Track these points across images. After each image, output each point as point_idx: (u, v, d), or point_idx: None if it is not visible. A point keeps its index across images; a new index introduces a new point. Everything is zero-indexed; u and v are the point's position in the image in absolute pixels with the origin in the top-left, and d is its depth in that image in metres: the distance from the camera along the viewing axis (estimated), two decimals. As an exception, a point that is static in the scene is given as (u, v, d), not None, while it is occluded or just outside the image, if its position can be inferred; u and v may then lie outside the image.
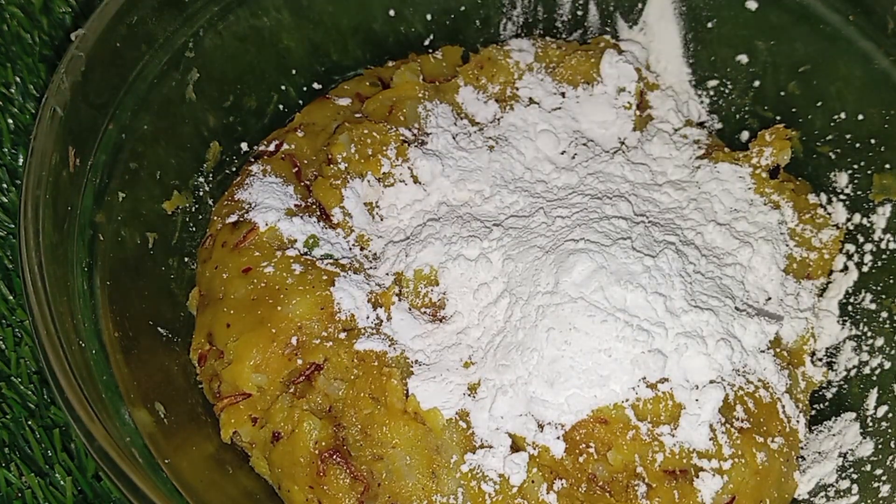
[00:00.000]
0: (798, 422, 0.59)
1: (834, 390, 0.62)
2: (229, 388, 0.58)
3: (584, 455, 0.55)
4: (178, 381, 0.59)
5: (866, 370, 0.60)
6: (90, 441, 0.46)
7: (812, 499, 0.58)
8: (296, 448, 0.55)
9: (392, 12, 0.73)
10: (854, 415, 0.59)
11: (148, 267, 0.61)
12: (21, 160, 0.74)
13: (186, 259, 0.64)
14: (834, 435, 0.59)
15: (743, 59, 0.70)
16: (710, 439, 0.55)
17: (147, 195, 0.62)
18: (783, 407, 0.58)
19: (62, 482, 0.61)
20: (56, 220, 0.53)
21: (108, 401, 0.50)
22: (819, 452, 0.60)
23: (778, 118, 0.69)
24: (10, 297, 0.68)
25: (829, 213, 0.66)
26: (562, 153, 0.68)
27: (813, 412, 0.62)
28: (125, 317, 0.56)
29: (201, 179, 0.66)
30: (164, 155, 0.63)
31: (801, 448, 0.59)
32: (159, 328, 0.59)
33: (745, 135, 0.72)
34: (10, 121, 0.75)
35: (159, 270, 0.62)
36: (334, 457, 0.55)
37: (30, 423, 0.63)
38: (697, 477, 0.54)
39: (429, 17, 0.74)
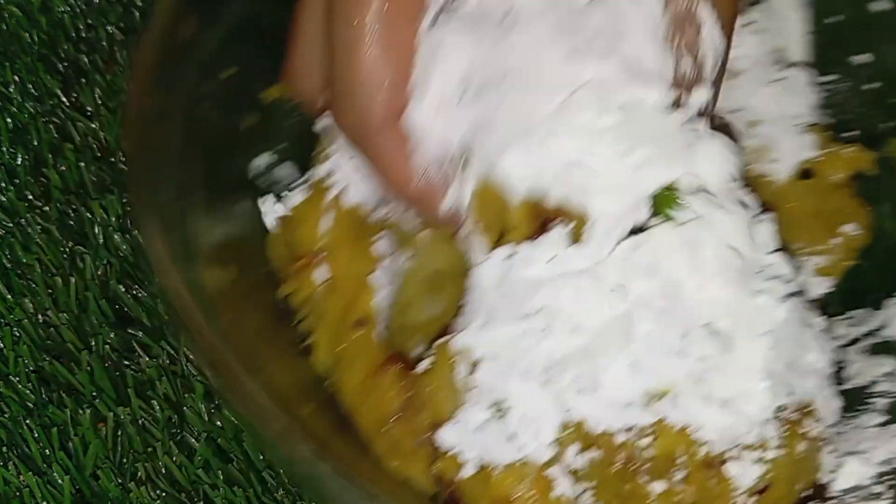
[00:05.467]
0: (834, 406, 0.55)
1: (890, 400, 0.58)
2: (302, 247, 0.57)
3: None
4: (255, 250, 0.58)
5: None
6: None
7: (844, 496, 0.54)
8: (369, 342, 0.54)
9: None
10: None
11: (238, 148, 0.60)
12: (19, 159, 0.73)
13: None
14: (877, 440, 0.56)
15: (865, 58, 0.66)
16: (760, 433, 0.51)
17: (251, 79, 0.60)
18: (825, 394, 0.55)
19: (60, 481, 0.59)
20: (163, 83, 0.53)
21: (186, 253, 0.50)
22: (857, 452, 0.56)
23: (891, 124, 0.66)
24: (9, 297, 0.67)
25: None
26: None
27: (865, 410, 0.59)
28: (212, 180, 0.56)
29: None
30: (270, 44, 0.59)
31: (837, 436, 0.56)
32: (243, 202, 0.59)
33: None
34: (9, 120, 0.74)
35: (248, 153, 0.61)
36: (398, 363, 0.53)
37: (28, 421, 0.61)
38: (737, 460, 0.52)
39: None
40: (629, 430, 0.51)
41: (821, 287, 0.62)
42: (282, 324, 0.57)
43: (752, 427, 0.51)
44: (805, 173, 0.64)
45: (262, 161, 0.61)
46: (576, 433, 0.52)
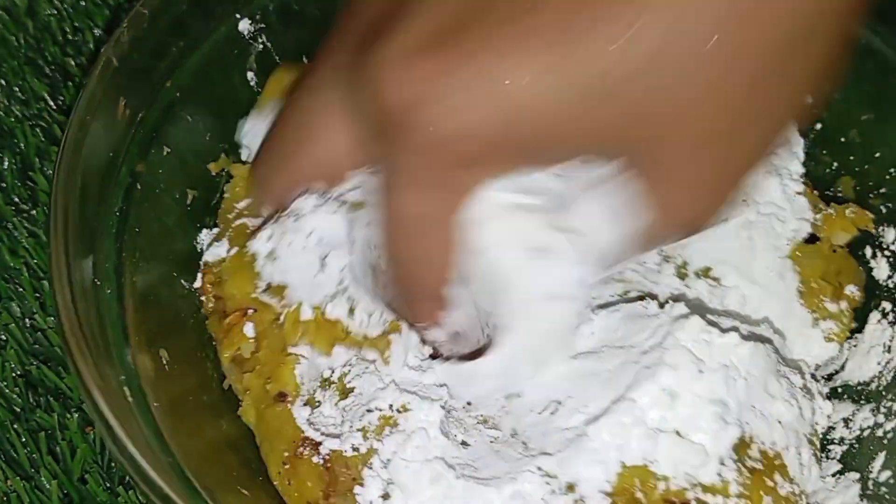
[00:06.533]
0: (810, 471, 0.55)
1: (845, 448, 0.58)
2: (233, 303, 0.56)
3: None
4: (189, 332, 0.57)
5: (879, 432, 0.57)
6: (80, 381, 0.45)
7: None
8: (288, 419, 0.53)
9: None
10: (858, 475, 0.56)
11: (181, 222, 0.60)
12: (6, 163, 0.72)
13: (221, 221, 0.62)
14: (832, 490, 0.56)
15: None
16: (718, 474, 0.51)
17: (193, 154, 0.61)
18: (800, 454, 0.54)
19: (48, 485, 0.59)
20: (97, 164, 0.53)
21: (113, 341, 0.49)
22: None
23: (835, 165, 0.66)
24: (-7, 301, 0.67)
25: (872, 268, 0.62)
26: None
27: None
28: (150, 263, 0.55)
29: None
30: (217, 118, 0.62)
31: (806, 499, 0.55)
32: (182, 281, 0.58)
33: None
34: (-5, 123, 0.74)
35: (193, 227, 0.61)
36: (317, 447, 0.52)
37: (15, 426, 0.61)
38: None
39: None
40: None
41: (825, 352, 0.62)
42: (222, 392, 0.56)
43: (707, 461, 0.50)
44: (811, 237, 0.63)
45: (205, 237, 0.61)
46: None
